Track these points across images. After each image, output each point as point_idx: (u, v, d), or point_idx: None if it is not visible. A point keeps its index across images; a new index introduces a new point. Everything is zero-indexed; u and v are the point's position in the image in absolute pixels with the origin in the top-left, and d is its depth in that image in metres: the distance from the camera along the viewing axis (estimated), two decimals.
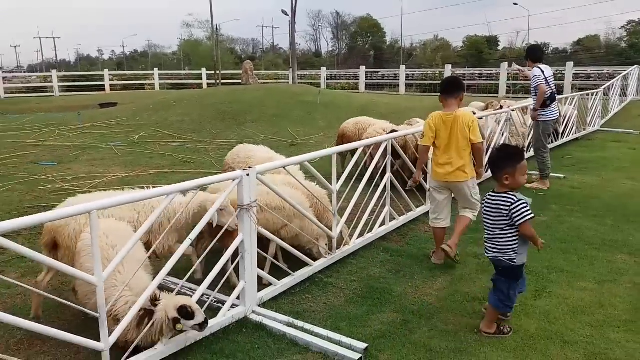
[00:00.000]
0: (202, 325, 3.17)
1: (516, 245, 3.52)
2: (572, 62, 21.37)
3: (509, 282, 3.57)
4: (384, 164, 5.56)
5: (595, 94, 13.48)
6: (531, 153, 9.05)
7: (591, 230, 5.83)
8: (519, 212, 3.45)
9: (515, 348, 3.49)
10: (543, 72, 7.65)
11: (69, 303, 3.04)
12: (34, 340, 3.62)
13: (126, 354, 3.10)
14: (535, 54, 7.97)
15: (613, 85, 15.53)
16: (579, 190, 7.68)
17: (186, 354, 3.38)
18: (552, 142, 7.63)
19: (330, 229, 4.76)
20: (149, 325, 3.08)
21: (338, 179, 4.78)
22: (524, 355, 3.40)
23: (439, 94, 4.98)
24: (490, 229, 3.59)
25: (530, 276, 4.59)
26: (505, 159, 3.59)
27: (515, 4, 58.23)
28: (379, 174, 5.59)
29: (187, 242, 3.31)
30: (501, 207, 3.51)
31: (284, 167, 4.11)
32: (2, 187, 7.71)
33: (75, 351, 3.46)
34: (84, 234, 3.40)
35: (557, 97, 8.33)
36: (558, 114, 7.98)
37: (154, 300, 3.11)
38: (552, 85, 7.76)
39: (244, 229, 3.61)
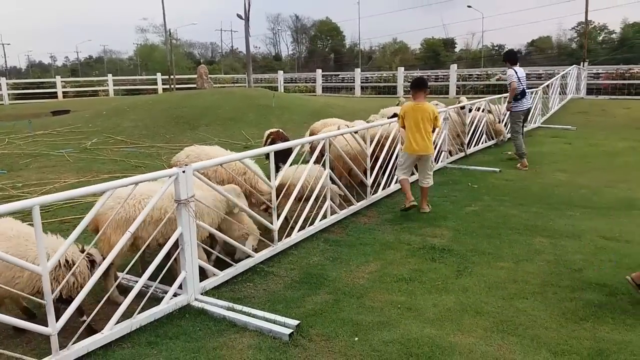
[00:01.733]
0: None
1: None
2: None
3: None
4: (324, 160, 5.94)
5: (534, 92, 14.23)
6: (475, 148, 9.96)
7: (516, 217, 6.34)
8: None
9: (432, 320, 3.88)
10: (516, 72, 9.35)
11: (18, 292, 3.27)
12: None
13: (74, 338, 3.34)
14: (511, 57, 9.80)
15: (552, 84, 16.39)
16: (511, 182, 8.24)
17: (132, 338, 3.63)
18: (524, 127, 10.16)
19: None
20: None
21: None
22: (439, 325, 3.80)
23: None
24: None
25: (454, 258, 5.06)
26: None
27: (469, 6, 59.83)
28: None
29: (127, 235, 3.57)
30: None
31: (221, 165, 4.41)
32: None
33: (26, 340, 3.69)
34: None
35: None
36: (527, 107, 9.83)
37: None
38: (523, 84, 9.47)
39: (182, 222, 3.89)
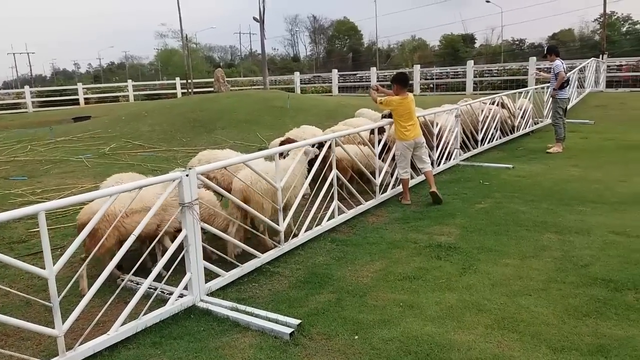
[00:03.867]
0: None
1: None
2: (535, 57, 22.08)
3: None
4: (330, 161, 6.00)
5: (549, 86, 14.02)
6: (489, 144, 9.88)
7: (525, 214, 6.30)
8: None
9: (434, 317, 3.91)
10: (562, 63, 10.56)
11: (28, 296, 3.40)
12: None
13: (80, 340, 3.46)
14: (556, 49, 10.99)
15: (569, 77, 16.11)
16: (523, 179, 8.17)
17: (137, 339, 3.74)
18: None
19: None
20: None
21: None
22: (440, 323, 3.82)
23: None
24: None
25: (460, 256, 5.07)
26: None
27: (487, 1, 59.13)
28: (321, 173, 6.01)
29: (131, 238, 3.68)
30: None
31: (225, 168, 4.49)
32: None
33: (36, 342, 3.82)
34: None
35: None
36: (568, 95, 11.27)
37: None
38: (567, 74, 10.77)
39: (187, 225, 3.99)
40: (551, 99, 10.87)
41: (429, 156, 7.61)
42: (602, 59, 20.94)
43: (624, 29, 66.92)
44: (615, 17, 64.54)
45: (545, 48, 11.23)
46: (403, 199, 7.15)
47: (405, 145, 7.02)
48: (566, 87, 10.72)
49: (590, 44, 61.20)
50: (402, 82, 7.07)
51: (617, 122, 13.92)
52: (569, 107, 11.85)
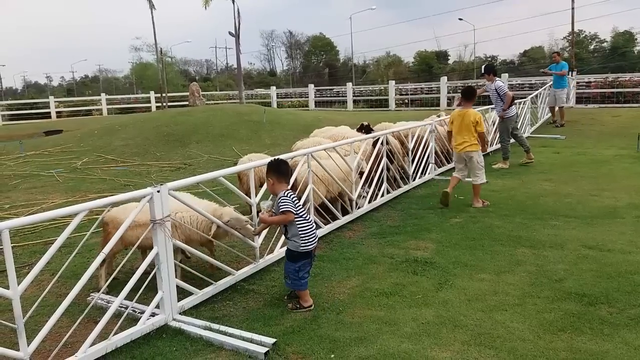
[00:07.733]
0: None
1: None
2: (507, 74, 22.54)
3: None
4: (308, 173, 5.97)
5: (522, 102, 14.31)
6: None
7: (500, 228, 6.35)
8: None
9: (410, 334, 3.87)
10: (503, 83, 10.77)
11: None
12: None
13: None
14: (494, 69, 10.96)
15: (540, 94, 16.51)
16: (497, 193, 8.26)
17: None
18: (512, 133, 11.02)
19: None
20: None
21: None
22: (417, 339, 3.78)
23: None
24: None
25: (436, 271, 5.07)
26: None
27: (460, 19, 60.49)
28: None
29: (100, 257, 3.57)
30: None
31: (199, 183, 4.42)
32: None
33: None
34: None
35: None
36: (516, 113, 11.20)
37: None
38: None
39: (158, 242, 3.89)
40: (499, 120, 10.95)
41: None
42: (572, 75, 21.43)
43: (592, 47, 69.04)
44: (584, 35, 66.60)
45: (483, 68, 11.22)
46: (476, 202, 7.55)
47: (455, 154, 7.91)
48: (511, 106, 10.75)
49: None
50: (465, 96, 7.65)
51: (588, 137, 14.25)
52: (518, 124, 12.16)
